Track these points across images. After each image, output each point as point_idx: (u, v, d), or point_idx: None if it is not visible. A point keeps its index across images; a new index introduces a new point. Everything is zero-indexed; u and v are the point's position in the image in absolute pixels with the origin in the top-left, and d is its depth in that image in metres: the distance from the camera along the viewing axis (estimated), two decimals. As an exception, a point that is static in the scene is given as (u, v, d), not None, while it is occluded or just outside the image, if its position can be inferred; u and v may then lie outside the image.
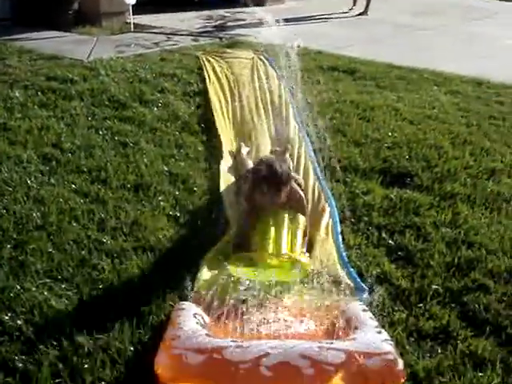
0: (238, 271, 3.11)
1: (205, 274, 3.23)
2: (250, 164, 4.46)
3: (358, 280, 3.25)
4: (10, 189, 4.18)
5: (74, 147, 4.88)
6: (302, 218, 3.72)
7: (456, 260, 3.54)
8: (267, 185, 3.59)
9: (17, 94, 6.02)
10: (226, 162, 4.67)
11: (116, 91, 6.15)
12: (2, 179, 4.32)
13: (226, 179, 4.40)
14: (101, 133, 5.20)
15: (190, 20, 11.12)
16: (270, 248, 3.41)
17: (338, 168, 4.63)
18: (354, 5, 12.23)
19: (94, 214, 3.88)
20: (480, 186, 4.50)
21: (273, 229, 3.55)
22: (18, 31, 9.20)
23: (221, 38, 9.40)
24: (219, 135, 5.15)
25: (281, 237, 3.50)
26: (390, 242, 3.73)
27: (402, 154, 4.95)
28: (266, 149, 5.00)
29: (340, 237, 3.71)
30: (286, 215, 3.66)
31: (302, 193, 3.88)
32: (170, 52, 8.13)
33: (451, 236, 3.81)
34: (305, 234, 3.67)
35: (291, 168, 4.08)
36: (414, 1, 15.36)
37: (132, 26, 9.39)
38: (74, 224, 3.76)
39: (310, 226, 3.73)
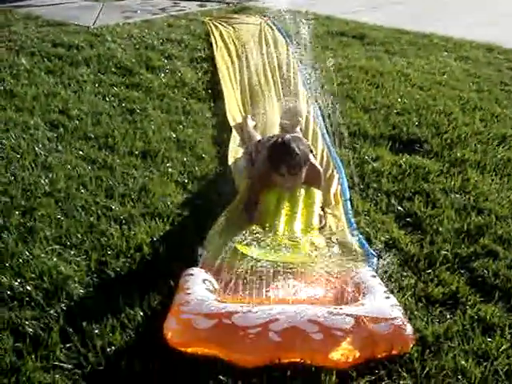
0: (250, 252, 3.06)
1: (213, 240, 3.22)
2: (257, 136, 4.41)
3: (367, 246, 3.24)
4: (18, 156, 4.17)
5: (81, 114, 4.86)
6: (318, 193, 3.62)
7: (465, 226, 3.52)
8: (287, 167, 3.46)
9: (23, 61, 5.98)
10: (233, 135, 4.61)
11: (123, 58, 6.11)
12: (9, 146, 4.30)
13: (234, 151, 4.37)
14: (108, 99, 5.17)
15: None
16: (282, 228, 3.31)
17: (347, 134, 4.59)
18: None
19: (102, 181, 3.87)
20: (490, 153, 4.46)
21: (286, 206, 3.46)
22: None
23: (228, 3, 9.29)
24: (225, 103, 5.10)
25: (295, 216, 3.41)
26: (399, 208, 3.70)
27: (412, 121, 4.90)
28: (273, 117, 4.95)
29: (349, 203, 3.69)
30: (302, 191, 3.57)
31: (320, 167, 3.79)
32: (176, 18, 8.05)
33: (461, 202, 3.78)
34: (322, 209, 3.60)
35: (308, 146, 3.95)
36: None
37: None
38: (82, 191, 3.75)
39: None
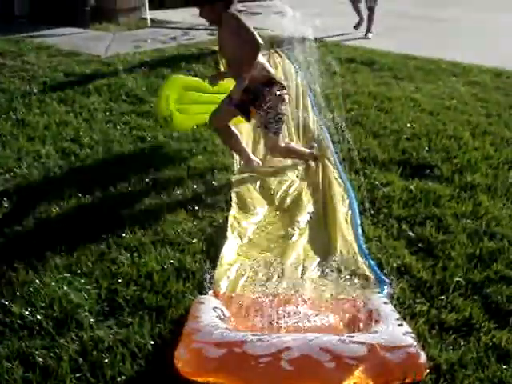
0: None
1: (224, 267, 3.22)
2: None
3: (379, 272, 3.21)
4: (30, 185, 4.19)
5: (93, 142, 4.90)
6: None
7: (478, 251, 3.49)
8: None
9: (35, 90, 6.06)
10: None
11: (133, 86, 6.16)
12: (21, 175, 4.33)
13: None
14: (119, 127, 5.22)
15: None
16: None
17: (357, 159, 4.59)
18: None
19: (114, 209, 3.87)
20: (501, 177, 4.44)
21: None
22: (36, 28, 9.25)
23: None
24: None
25: None
26: (411, 233, 3.68)
27: (422, 145, 4.90)
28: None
29: (360, 228, 3.67)
30: None
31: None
32: (186, 47, 8.14)
33: (472, 227, 3.76)
34: None
35: None
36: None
37: (148, 21, 9.41)
38: (93, 218, 3.76)
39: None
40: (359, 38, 9.21)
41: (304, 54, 7.05)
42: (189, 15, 10.59)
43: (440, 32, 9.98)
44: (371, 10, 9.23)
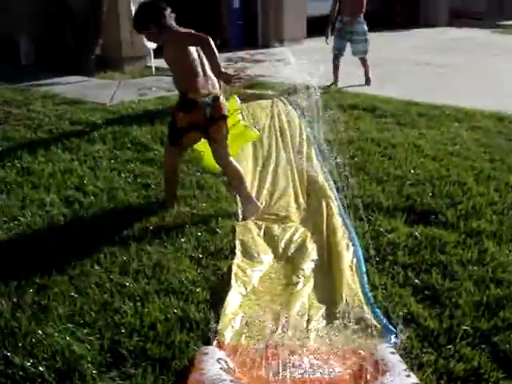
0: None
1: (228, 316, 3.18)
2: None
3: (385, 321, 3.18)
4: (34, 233, 4.20)
5: (97, 190, 4.91)
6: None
7: (485, 299, 3.45)
8: None
9: (40, 138, 6.10)
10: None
11: (138, 134, 6.21)
12: (25, 223, 4.34)
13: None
14: (123, 175, 5.24)
15: (211, 62, 11.22)
16: None
17: (362, 206, 4.58)
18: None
19: (117, 257, 3.87)
20: (506, 223, 4.42)
21: None
22: (42, 77, 9.40)
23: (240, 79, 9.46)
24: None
25: None
26: (417, 281, 3.65)
27: (426, 191, 4.90)
28: (288, 188, 5.00)
29: (365, 276, 3.65)
30: None
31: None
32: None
33: (479, 274, 3.73)
34: None
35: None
36: (432, 38, 15.50)
37: (153, 69, 9.53)
38: (97, 267, 3.75)
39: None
40: (360, 85, 9.23)
41: (307, 100, 7.12)
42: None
43: (442, 77, 10.10)
44: (363, 60, 9.21)
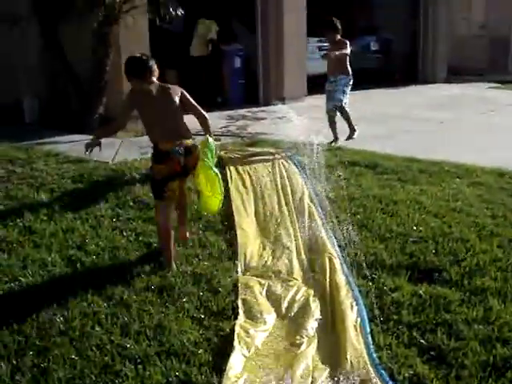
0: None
1: (231, 379, 3.13)
2: None
3: (391, 383, 3.12)
4: (34, 293, 4.17)
5: (99, 249, 4.90)
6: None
7: (491, 359, 3.40)
8: None
9: (43, 197, 6.13)
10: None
11: (140, 192, 6.22)
12: (26, 283, 4.31)
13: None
14: (125, 234, 5.23)
15: (212, 120, 11.28)
16: None
17: (365, 264, 4.56)
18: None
19: (118, 318, 3.84)
20: (510, 280, 4.39)
21: None
22: (45, 135, 9.47)
23: (242, 137, 9.57)
24: (238, 237, 5.17)
25: None
26: (422, 341, 3.61)
27: (429, 249, 4.88)
28: (290, 245, 4.99)
29: (370, 336, 3.60)
30: None
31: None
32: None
33: (484, 333, 3.68)
34: None
35: None
36: (430, 95, 15.71)
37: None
38: (98, 328, 3.72)
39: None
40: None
41: (308, 158, 7.18)
42: (194, 121, 10.87)
43: (441, 133, 10.18)
44: (340, 111, 8.85)
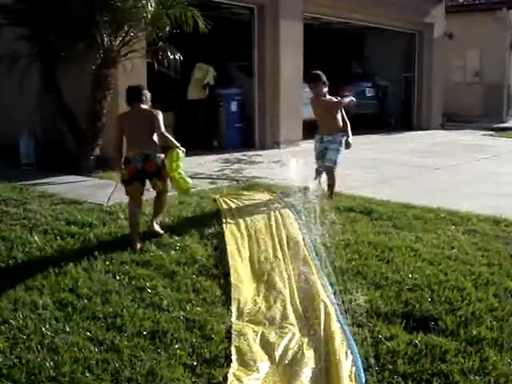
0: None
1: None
2: None
3: None
4: (24, 337, 4.11)
5: (91, 293, 4.85)
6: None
7: (488, 412, 3.34)
8: None
9: (36, 239, 6.08)
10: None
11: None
12: (16, 327, 4.26)
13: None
14: (118, 277, 5.18)
15: (208, 163, 11.44)
16: None
17: (359, 311, 4.52)
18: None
19: (109, 364, 3.77)
20: (506, 329, 4.34)
21: None
22: (40, 176, 9.49)
23: (237, 181, 9.59)
24: (232, 282, 5.12)
25: None
26: (418, 392, 3.55)
27: (424, 297, 4.84)
28: (285, 291, 4.95)
29: (365, 387, 3.54)
30: None
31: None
32: (187, 195, 8.26)
33: (481, 384, 3.63)
34: None
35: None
36: (425, 141, 15.86)
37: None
38: (88, 374, 3.65)
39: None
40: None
41: (304, 202, 7.18)
42: (190, 164, 10.91)
43: (435, 179, 10.24)
44: (330, 171, 8.15)
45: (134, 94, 6.37)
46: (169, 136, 6.16)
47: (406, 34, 19.43)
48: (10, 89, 11.23)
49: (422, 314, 4.56)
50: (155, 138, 6.19)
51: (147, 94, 6.41)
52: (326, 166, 8.14)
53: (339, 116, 8.17)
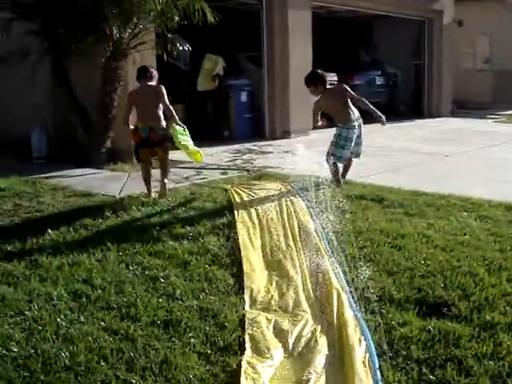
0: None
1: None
2: None
3: (401, 421, 3.07)
4: (40, 327, 4.15)
5: (105, 283, 4.88)
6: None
7: (503, 396, 3.34)
8: None
9: (49, 231, 6.12)
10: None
11: (146, 226, 6.22)
12: (31, 317, 4.29)
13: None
14: (131, 268, 5.21)
15: (219, 154, 11.46)
16: None
17: (372, 298, 4.52)
18: None
19: (123, 353, 3.79)
20: (520, 315, 4.34)
21: None
22: (52, 169, 9.55)
23: (249, 171, 9.60)
24: (244, 270, 5.14)
25: None
26: (431, 377, 3.55)
27: (437, 283, 4.83)
28: (297, 279, 4.96)
29: (379, 373, 3.54)
30: None
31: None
32: (199, 186, 8.31)
33: (495, 369, 3.62)
34: None
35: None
36: (435, 128, 15.78)
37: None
38: (103, 364, 3.67)
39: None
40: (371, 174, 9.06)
41: (315, 191, 7.19)
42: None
43: (446, 166, 10.21)
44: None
45: (141, 72, 7.56)
46: (172, 110, 7.40)
47: (415, 22, 19.29)
48: (20, 83, 11.28)
49: (435, 300, 4.56)
50: (161, 112, 7.39)
51: (154, 72, 7.60)
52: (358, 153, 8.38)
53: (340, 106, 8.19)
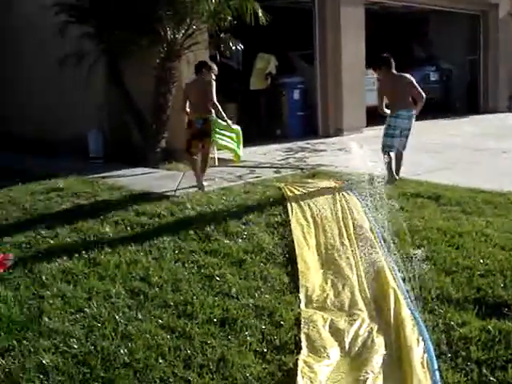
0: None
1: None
2: None
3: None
4: (99, 324, 4.23)
5: (162, 281, 4.95)
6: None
7: None
8: None
9: (107, 230, 6.25)
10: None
11: (202, 224, 6.28)
12: (91, 314, 4.38)
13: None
14: (187, 266, 5.27)
15: (272, 152, 11.46)
16: None
17: (430, 298, 4.45)
18: None
19: (181, 350, 3.84)
20: None
21: None
22: (109, 169, 9.72)
23: (302, 169, 9.56)
24: (299, 269, 5.12)
25: None
26: (492, 378, 3.48)
27: (497, 283, 4.72)
28: (353, 278, 4.93)
29: (438, 374, 3.49)
30: None
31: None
32: (253, 184, 8.32)
33: (561, 371, 3.52)
34: None
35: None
36: (492, 124, 15.42)
37: (216, 160, 9.72)
38: (161, 361, 3.73)
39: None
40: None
41: (370, 189, 7.11)
42: (254, 154, 10.96)
43: (504, 163, 9.94)
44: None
45: (197, 66, 8.26)
46: (218, 106, 8.01)
47: (469, 16, 18.89)
48: (77, 86, 11.51)
49: (494, 300, 4.46)
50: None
51: (212, 66, 8.24)
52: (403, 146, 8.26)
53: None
